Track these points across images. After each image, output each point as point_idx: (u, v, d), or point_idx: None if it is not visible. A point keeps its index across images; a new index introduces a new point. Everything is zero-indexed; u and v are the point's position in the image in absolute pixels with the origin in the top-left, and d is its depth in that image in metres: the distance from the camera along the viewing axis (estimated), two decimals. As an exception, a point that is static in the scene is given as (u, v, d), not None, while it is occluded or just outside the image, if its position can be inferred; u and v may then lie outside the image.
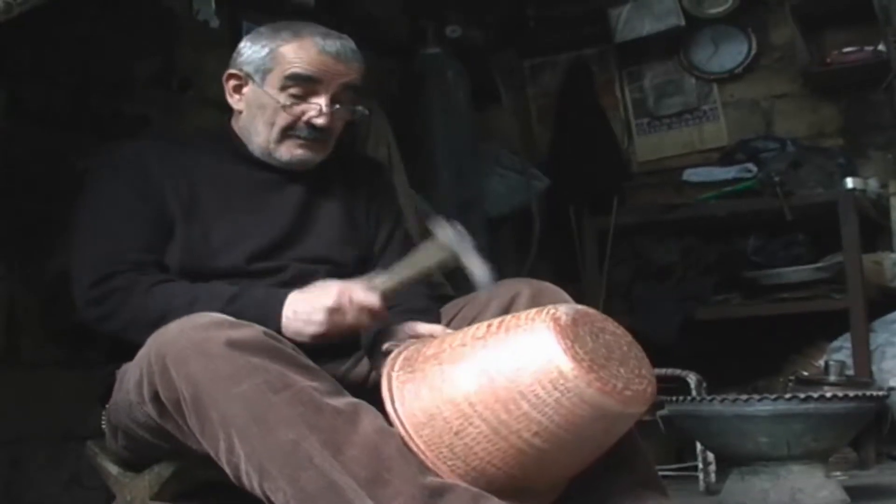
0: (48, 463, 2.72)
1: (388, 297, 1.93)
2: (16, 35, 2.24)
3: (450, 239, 1.95)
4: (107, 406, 2.02)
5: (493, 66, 4.63)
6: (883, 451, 3.70)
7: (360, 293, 1.88)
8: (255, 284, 2.00)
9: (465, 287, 2.09)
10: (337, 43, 2.08)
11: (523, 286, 2.04)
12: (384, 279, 1.95)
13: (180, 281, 1.99)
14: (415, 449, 1.66)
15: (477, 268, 1.95)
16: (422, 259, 1.97)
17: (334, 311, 1.86)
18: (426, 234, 2.01)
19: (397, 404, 1.71)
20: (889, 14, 4.00)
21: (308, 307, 1.88)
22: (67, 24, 2.73)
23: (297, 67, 2.05)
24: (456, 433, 1.65)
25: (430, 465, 1.65)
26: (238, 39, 3.11)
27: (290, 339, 1.82)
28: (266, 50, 2.07)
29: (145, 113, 3.01)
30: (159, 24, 3.10)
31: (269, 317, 1.87)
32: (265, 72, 2.07)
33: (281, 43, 2.07)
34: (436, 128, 4.07)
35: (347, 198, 2.22)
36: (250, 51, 2.10)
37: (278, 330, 1.86)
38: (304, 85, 2.06)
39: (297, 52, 2.05)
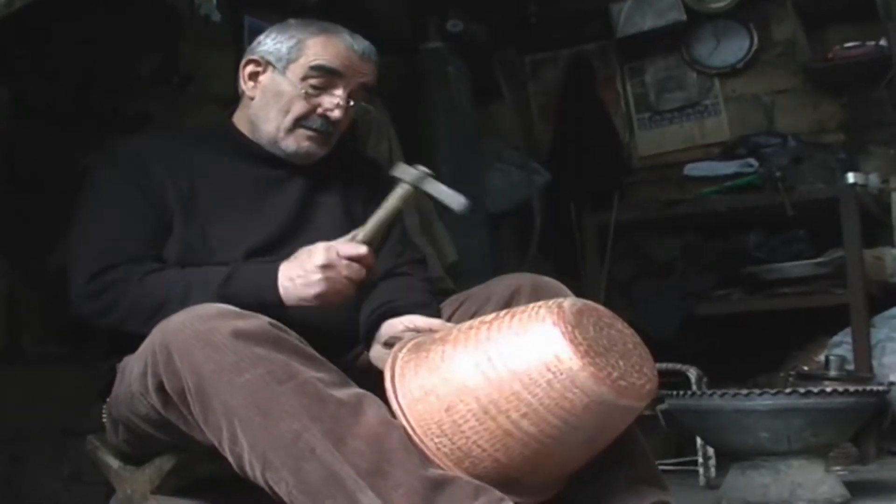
0: (49, 459, 2.72)
1: (371, 244, 1.98)
2: (18, 32, 2.25)
3: (410, 175, 2.02)
4: (107, 400, 2.03)
5: (494, 62, 4.63)
6: (883, 447, 3.70)
7: (346, 246, 1.93)
8: (247, 262, 2.02)
9: (466, 283, 2.11)
10: (364, 43, 2.16)
11: (524, 281, 2.05)
12: (362, 230, 2.00)
13: (173, 268, 2.00)
14: (404, 423, 1.67)
15: (445, 193, 2.03)
16: (390, 202, 2.03)
17: (327, 268, 1.90)
18: (427, 228, 2.04)
19: (397, 381, 1.73)
20: (891, 9, 4.00)
21: (301, 270, 1.91)
22: (69, 21, 2.73)
23: (323, 59, 2.10)
24: (447, 409, 1.66)
25: (416, 440, 1.66)
26: (239, 35, 3.14)
27: (294, 308, 1.89)
28: (294, 40, 2.12)
29: (147, 110, 3.01)
30: (161, 20, 3.10)
31: (266, 290, 1.91)
32: (289, 61, 2.11)
33: (309, 35, 2.12)
34: (437, 123, 4.08)
35: (346, 195, 2.23)
36: (274, 40, 2.14)
37: (278, 302, 1.89)
38: (326, 77, 2.10)
39: (325, 45, 2.11)
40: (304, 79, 2.10)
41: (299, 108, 2.11)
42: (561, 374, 1.61)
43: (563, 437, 1.65)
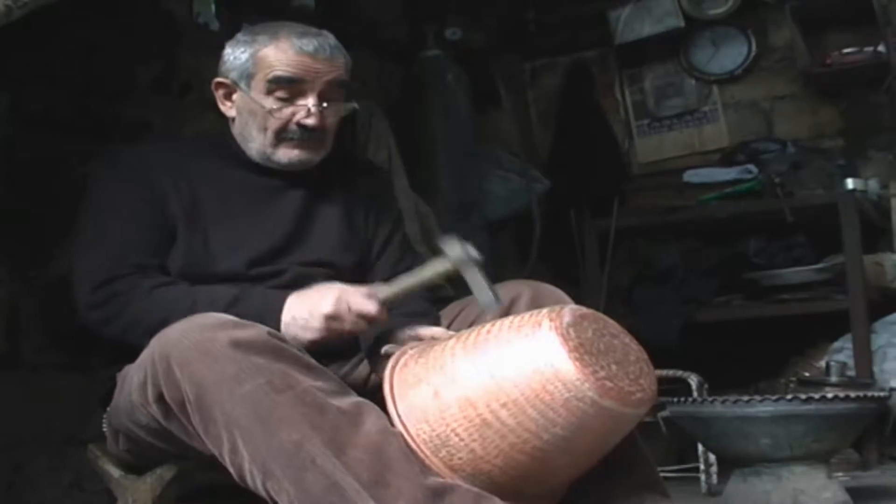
0: (49, 467, 2.72)
1: (388, 305, 1.92)
2: (17, 39, 2.25)
3: (456, 256, 1.93)
4: (108, 409, 2.02)
5: (493, 69, 4.64)
6: (885, 452, 3.69)
7: (358, 300, 1.88)
8: (256, 287, 2.00)
9: (465, 290, 2.10)
10: (314, 41, 2.06)
11: (524, 288, 2.05)
12: (385, 288, 1.95)
13: (181, 284, 1.99)
14: (392, 410, 1.68)
15: (480, 288, 1.92)
16: (426, 274, 1.96)
17: (332, 319, 1.87)
18: (427, 236, 2.01)
19: (397, 370, 1.74)
20: (889, 15, 4.01)
21: (306, 313, 1.89)
22: (69, 28, 2.73)
23: (279, 70, 2.04)
24: (434, 395, 1.66)
25: (399, 426, 1.66)
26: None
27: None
28: (246, 55, 2.07)
29: (146, 117, 3.01)
30: (160, 27, 3.10)
31: (268, 320, 1.87)
32: (249, 77, 2.07)
33: (259, 47, 2.06)
34: (436, 130, 4.07)
35: (347, 202, 2.22)
36: (232, 57, 2.09)
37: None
38: (288, 87, 2.05)
39: (276, 54, 2.05)
40: (269, 93, 2.05)
41: (274, 123, 2.07)
42: (546, 365, 1.61)
43: (540, 432, 1.63)
